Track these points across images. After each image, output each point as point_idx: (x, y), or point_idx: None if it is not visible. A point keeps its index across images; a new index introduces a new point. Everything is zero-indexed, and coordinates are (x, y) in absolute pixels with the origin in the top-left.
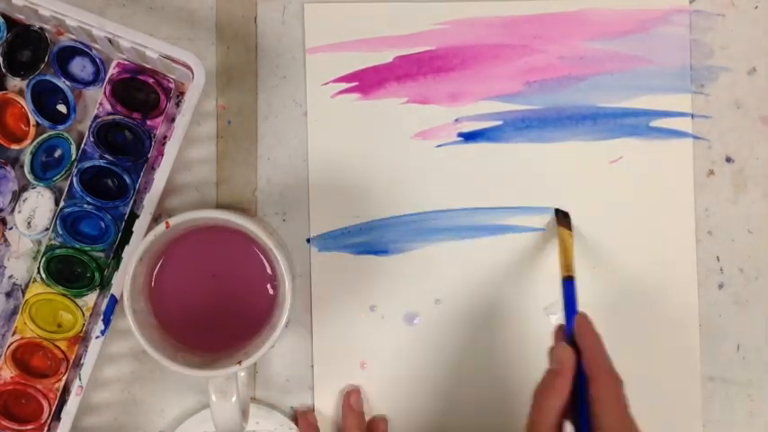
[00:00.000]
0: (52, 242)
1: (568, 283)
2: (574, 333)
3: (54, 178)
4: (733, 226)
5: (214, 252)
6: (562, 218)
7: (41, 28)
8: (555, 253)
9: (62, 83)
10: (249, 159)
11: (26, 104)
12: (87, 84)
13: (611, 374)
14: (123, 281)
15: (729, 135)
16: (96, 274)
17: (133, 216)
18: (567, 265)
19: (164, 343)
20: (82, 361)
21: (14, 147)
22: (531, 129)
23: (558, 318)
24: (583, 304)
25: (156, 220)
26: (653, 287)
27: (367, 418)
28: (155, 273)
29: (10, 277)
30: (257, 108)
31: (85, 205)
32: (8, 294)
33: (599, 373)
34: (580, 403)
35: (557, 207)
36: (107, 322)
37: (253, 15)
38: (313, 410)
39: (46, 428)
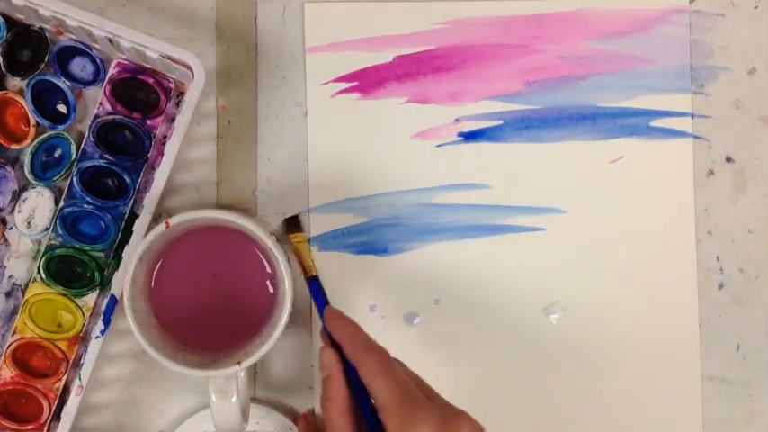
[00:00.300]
0: (52, 242)
1: (314, 284)
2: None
3: (54, 178)
4: (733, 226)
5: (214, 252)
6: (290, 225)
7: (41, 28)
8: (555, 253)
9: (62, 83)
10: (249, 159)
11: (26, 104)
12: (87, 84)
13: (369, 352)
14: (123, 281)
15: (729, 135)
16: (96, 274)
17: (133, 216)
18: (307, 266)
19: (164, 343)
20: (82, 361)
21: (14, 147)
22: (531, 129)
23: (557, 317)
24: (583, 304)
25: (156, 220)
26: (653, 287)
27: None
28: (155, 273)
29: (10, 277)
30: (257, 108)
31: (85, 205)
32: (8, 294)
33: (359, 357)
34: (358, 392)
35: (285, 218)
36: (107, 322)
37: (253, 15)
38: (313, 412)
39: (46, 428)
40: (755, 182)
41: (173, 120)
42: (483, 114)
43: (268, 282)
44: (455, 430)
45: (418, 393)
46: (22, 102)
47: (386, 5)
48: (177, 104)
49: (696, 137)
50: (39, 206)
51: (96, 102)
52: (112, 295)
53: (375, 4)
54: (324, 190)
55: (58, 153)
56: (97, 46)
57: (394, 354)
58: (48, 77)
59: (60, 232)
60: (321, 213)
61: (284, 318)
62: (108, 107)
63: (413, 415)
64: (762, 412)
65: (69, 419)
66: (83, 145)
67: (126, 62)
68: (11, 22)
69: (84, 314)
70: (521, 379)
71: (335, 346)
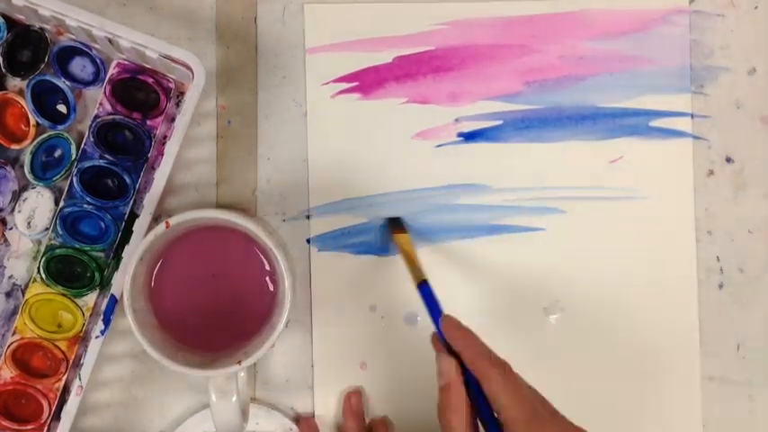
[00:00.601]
0: (52, 242)
1: (424, 288)
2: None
3: (54, 178)
4: (733, 226)
5: (214, 252)
6: (394, 225)
7: (41, 28)
8: (555, 253)
9: (62, 83)
10: (249, 159)
11: (26, 104)
12: (87, 84)
13: (493, 364)
14: (123, 281)
15: (729, 135)
16: (96, 274)
17: (133, 216)
18: (415, 269)
19: (164, 343)
20: (82, 361)
21: (14, 147)
22: (531, 129)
23: (557, 317)
24: (583, 304)
25: (156, 220)
26: (653, 287)
27: (367, 419)
28: (155, 273)
29: (10, 277)
30: (257, 108)
31: (85, 205)
32: (8, 294)
33: (483, 369)
34: (479, 404)
35: (387, 218)
36: (107, 322)
37: (253, 15)
38: (313, 413)
39: (46, 428)
40: (755, 182)
41: (173, 120)
42: (483, 114)
43: (268, 281)
44: None
45: (543, 411)
46: (22, 102)
47: (385, 6)
48: (177, 104)
49: (696, 137)
50: (39, 206)
51: (96, 102)
52: (112, 295)
53: (375, 4)
54: (324, 190)
55: (57, 153)
56: (97, 46)
57: (394, 354)
58: (48, 77)
59: (60, 232)
60: (321, 213)
61: (284, 318)
62: (108, 107)
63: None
64: (762, 412)
65: (69, 419)
66: (83, 145)
67: (126, 62)
68: (11, 23)
69: (84, 314)
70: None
71: (452, 353)
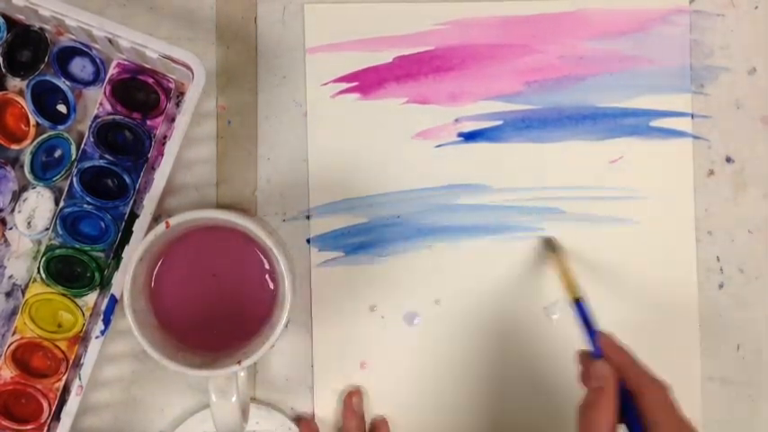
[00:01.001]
0: (52, 242)
1: (579, 305)
2: (602, 353)
3: (54, 178)
4: (733, 226)
5: (214, 252)
6: (548, 245)
7: (41, 28)
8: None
9: (62, 83)
10: (249, 159)
11: (26, 104)
12: (87, 84)
13: (657, 382)
14: (123, 281)
15: (729, 135)
16: (96, 274)
17: (133, 216)
18: (570, 287)
19: (164, 343)
20: (82, 361)
21: (14, 147)
22: (531, 129)
23: (557, 318)
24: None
25: (156, 220)
26: (653, 287)
27: (367, 419)
28: (155, 273)
29: (10, 277)
30: (257, 108)
31: (85, 205)
32: (8, 294)
33: (645, 384)
34: (630, 420)
35: (542, 237)
36: (107, 322)
37: (253, 15)
38: (313, 413)
39: (46, 428)
40: (755, 182)
41: (173, 120)
42: (483, 114)
43: (268, 281)
44: None
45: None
46: (22, 102)
47: (386, 6)
48: (177, 104)
49: (696, 137)
50: (39, 206)
51: (96, 102)
52: (112, 295)
53: (375, 4)
54: (324, 190)
55: (57, 153)
56: (97, 46)
57: (394, 354)
58: (48, 78)
59: (60, 232)
60: (321, 213)
61: (284, 318)
62: (108, 107)
63: None
64: (762, 412)
65: (69, 419)
66: (83, 145)
67: (126, 62)
68: (11, 23)
69: (84, 314)
70: (520, 379)
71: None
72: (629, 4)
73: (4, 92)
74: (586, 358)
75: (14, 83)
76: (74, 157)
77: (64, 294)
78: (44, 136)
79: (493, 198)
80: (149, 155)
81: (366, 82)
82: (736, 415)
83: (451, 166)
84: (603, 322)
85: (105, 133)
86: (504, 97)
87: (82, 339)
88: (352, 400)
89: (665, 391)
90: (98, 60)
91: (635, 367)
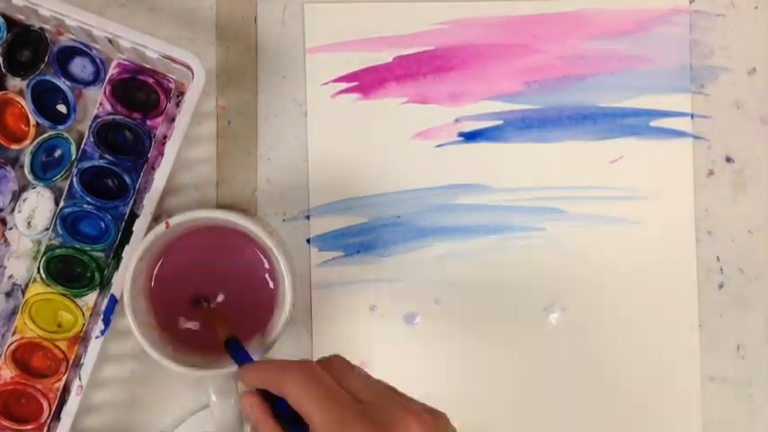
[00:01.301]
0: (52, 242)
1: (232, 344)
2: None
3: (54, 178)
4: (733, 226)
5: (214, 252)
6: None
7: (41, 28)
8: (555, 253)
9: (62, 83)
10: (249, 159)
11: (26, 104)
12: (87, 84)
13: (288, 370)
14: (123, 281)
15: (729, 135)
16: (96, 274)
17: (133, 216)
18: (222, 331)
19: (164, 343)
20: (82, 361)
21: (14, 147)
22: (532, 129)
23: (557, 317)
24: (583, 305)
25: (156, 220)
26: (653, 287)
27: None
28: (155, 273)
29: (10, 277)
30: (257, 108)
31: (85, 205)
32: (8, 294)
33: (280, 382)
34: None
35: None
36: (107, 322)
37: (253, 15)
38: None
39: (46, 428)
40: (755, 182)
41: (173, 120)
42: (483, 114)
43: (268, 281)
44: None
45: (352, 412)
46: (22, 102)
47: (386, 6)
48: (177, 104)
49: (696, 137)
50: (39, 206)
51: (96, 102)
52: (112, 295)
53: (375, 4)
54: (324, 190)
55: (57, 153)
56: (97, 46)
57: (394, 353)
58: (48, 77)
59: (60, 232)
60: (321, 213)
61: (284, 317)
62: (108, 107)
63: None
64: (762, 412)
65: (69, 419)
66: (83, 145)
67: (126, 62)
68: (11, 22)
69: (84, 314)
70: (520, 379)
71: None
72: (629, 4)
73: (4, 92)
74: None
75: (14, 83)
76: (74, 157)
77: (64, 294)
78: (44, 136)
79: (493, 198)
80: (149, 155)
81: (366, 82)
82: (736, 415)
83: (452, 165)
84: (604, 322)
85: (105, 133)
86: (504, 97)
87: (82, 339)
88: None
89: (304, 372)
90: (98, 60)
91: (269, 369)
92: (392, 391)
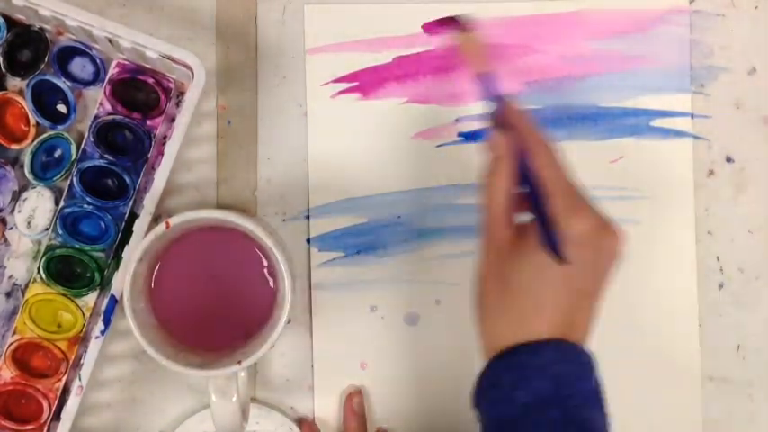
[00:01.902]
0: (52, 242)
1: (485, 78)
2: (501, 118)
3: (54, 178)
4: (733, 226)
5: (214, 252)
6: (460, 27)
7: (41, 28)
8: None
9: (62, 83)
10: (249, 159)
11: (26, 104)
12: (87, 84)
13: (545, 143)
14: (123, 281)
15: (729, 135)
16: (96, 274)
17: (133, 216)
18: (480, 62)
19: (164, 343)
20: (82, 361)
21: (14, 147)
22: None
23: None
24: None
25: (156, 220)
26: (653, 287)
27: (368, 420)
28: (155, 273)
29: (10, 277)
30: (257, 108)
31: (85, 205)
32: (8, 294)
33: (534, 145)
34: (526, 181)
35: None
36: (107, 322)
37: (253, 15)
38: (313, 413)
39: (46, 428)
40: (755, 182)
41: (173, 120)
42: (483, 114)
43: (268, 281)
44: (608, 237)
45: (583, 193)
46: (22, 102)
47: (386, 6)
48: (177, 104)
49: (696, 137)
50: (39, 206)
51: (96, 102)
52: (112, 295)
53: (375, 4)
54: (324, 190)
55: (58, 153)
56: (97, 46)
57: (394, 354)
58: (48, 77)
59: (60, 232)
60: (321, 213)
61: (284, 318)
62: (108, 107)
63: (577, 207)
64: (762, 412)
65: (69, 419)
66: (83, 145)
67: (126, 62)
68: (11, 22)
69: (84, 314)
70: None
71: None
72: (629, 5)
73: (4, 92)
74: (491, 126)
75: (14, 83)
76: (74, 157)
77: (64, 294)
78: (44, 136)
79: None
80: (149, 155)
81: (366, 82)
82: (736, 415)
83: (452, 165)
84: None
85: (105, 133)
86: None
87: (82, 339)
88: (353, 400)
89: (552, 151)
90: (98, 60)
91: (528, 128)
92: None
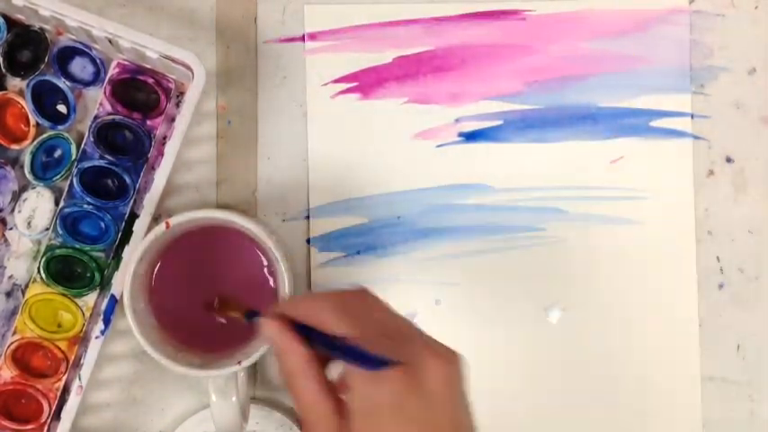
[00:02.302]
0: (52, 242)
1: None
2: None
3: (54, 178)
4: (733, 226)
5: (214, 252)
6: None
7: (41, 28)
8: (555, 253)
9: (62, 83)
10: (249, 159)
11: (26, 104)
12: (87, 84)
13: (318, 297)
14: (123, 281)
15: (729, 135)
16: (96, 274)
17: (133, 216)
18: (238, 311)
19: (164, 343)
20: (82, 361)
21: (14, 147)
22: (532, 129)
23: (557, 317)
24: (583, 304)
25: (156, 220)
26: (653, 287)
27: None
28: (155, 273)
29: (10, 277)
30: (257, 108)
31: (85, 205)
32: (8, 294)
33: (310, 308)
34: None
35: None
36: (107, 322)
37: (253, 15)
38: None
39: (46, 428)
40: (755, 182)
41: (173, 120)
42: (483, 114)
43: (268, 281)
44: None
45: (380, 332)
46: (22, 102)
47: (385, 6)
48: (177, 104)
49: (696, 137)
50: (39, 206)
51: (96, 102)
52: (112, 295)
53: (375, 4)
54: (324, 190)
55: (57, 153)
56: (97, 46)
57: None
58: (48, 78)
59: (60, 232)
60: (321, 214)
61: None
62: (108, 107)
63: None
64: (762, 412)
65: (69, 419)
66: (83, 145)
67: (126, 62)
68: (11, 23)
69: (84, 314)
70: (521, 378)
71: None
72: (629, 4)
73: (4, 92)
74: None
75: (14, 83)
76: (74, 157)
77: (64, 294)
78: (44, 136)
79: (493, 198)
80: (149, 155)
81: (366, 82)
82: (736, 415)
83: (452, 166)
84: (604, 322)
85: (105, 133)
86: (504, 97)
87: (82, 339)
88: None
89: (337, 298)
90: (98, 60)
91: (299, 300)
92: (415, 326)
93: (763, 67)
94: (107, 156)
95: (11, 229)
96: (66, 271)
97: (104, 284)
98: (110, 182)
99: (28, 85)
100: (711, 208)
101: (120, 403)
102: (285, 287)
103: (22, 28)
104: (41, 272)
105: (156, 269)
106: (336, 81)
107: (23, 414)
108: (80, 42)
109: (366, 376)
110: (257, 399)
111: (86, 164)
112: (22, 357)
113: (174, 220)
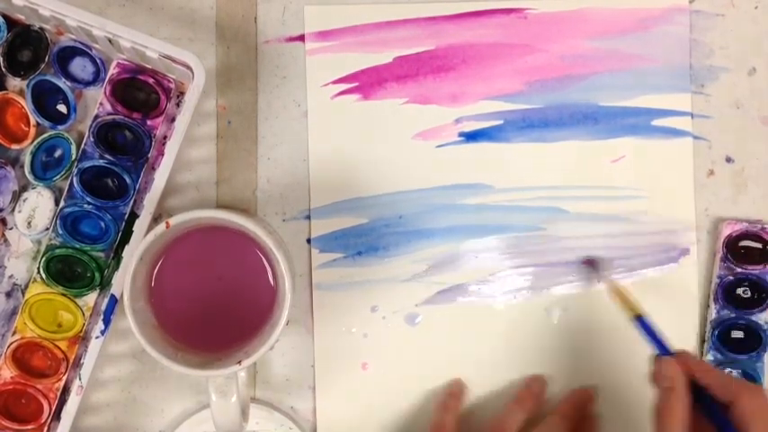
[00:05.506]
0: (52, 242)
1: (642, 322)
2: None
3: (54, 178)
4: None
5: (214, 252)
6: (594, 269)
7: (41, 28)
8: (554, 252)
9: (62, 83)
10: (249, 159)
11: (26, 104)
12: (87, 84)
13: (750, 386)
14: (123, 281)
15: (729, 135)
16: (96, 274)
17: (133, 216)
18: (628, 305)
19: (164, 343)
20: (82, 361)
21: (14, 147)
22: (533, 128)
23: (558, 317)
24: (583, 304)
25: (156, 220)
26: (653, 287)
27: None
28: (155, 273)
29: (10, 277)
30: (257, 108)
31: (85, 205)
32: (8, 294)
33: (738, 390)
34: (720, 423)
35: (584, 258)
36: (107, 322)
37: (253, 15)
38: (314, 413)
39: (46, 428)
40: (755, 182)
41: (173, 120)
42: (484, 114)
43: (268, 281)
44: None
45: None
46: (23, 102)
47: (386, 6)
48: (177, 104)
49: (696, 137)
50: (39, 206)
51: (96, 102)
52: (112, 295)
53: (375, 5)
54: (324, 190)
55: (58, 153)
56: (97, 46)
57: (395, 354)
58: (48, 77)
59: (60, 232)
60: (321, 214)
61: (284, 318)
62: (108, 107)
63: None
64: None
65: (69, 419)
66: (83, 145)
67: (126, 62)
68: (11, 22)
69: (84, 314)
70: (521, 378)
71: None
72: (630, 4)
73: (5, 92)
74: (658, 358)
75: (14, 83)
76: (74, 157)
77: (64, 294)
78: (44, 136)
79: (494, 198)
80: (149, 155)
81: (366, 83)
82: None
83: (452, 166)
84: (604, 322)
85: (105, 133)
86: (505, 97)
87: (82, 339)
88: (453, 388)
89: (763, 394)
90: (98, 60)
91: (723, 375)
92: None
93: (763, 67)
94: (107, 156)
95: (11, 228)
96: (67, 271)
97: (104, 284)
98: (110, 182)
99: (28, 85)
100: (711, 208)
101: (120, 403)
102: (285, 287)
103: (22, 28)
104: (41, 272)
105: (156, 269)
106: (336, 81)
107: (23, 414)
108: (80, 42)
109: None
110: (257, 399)
111: (86, 164)
112: (23, 357)
113: (174, 220)
